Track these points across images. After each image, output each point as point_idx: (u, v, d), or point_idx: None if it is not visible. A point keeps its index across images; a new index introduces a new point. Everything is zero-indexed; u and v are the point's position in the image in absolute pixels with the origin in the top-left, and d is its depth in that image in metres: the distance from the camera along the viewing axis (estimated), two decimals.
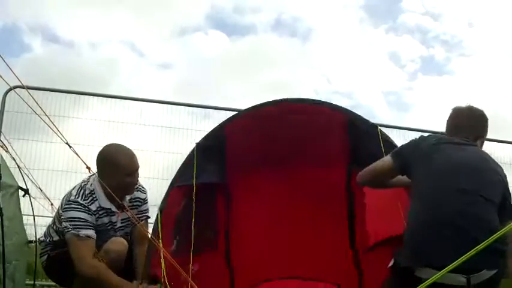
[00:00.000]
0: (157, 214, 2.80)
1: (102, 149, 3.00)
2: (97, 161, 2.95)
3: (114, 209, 2.93)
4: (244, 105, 6.22)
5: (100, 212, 2.89)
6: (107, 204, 2.90)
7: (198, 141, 3.02)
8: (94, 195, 2.88)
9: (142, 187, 3.18)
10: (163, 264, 2.47)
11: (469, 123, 2.60)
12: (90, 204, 2.85)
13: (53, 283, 3.26)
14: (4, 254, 2.87)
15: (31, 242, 3.47)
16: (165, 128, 5.97)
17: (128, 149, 2.99)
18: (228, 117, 3.15)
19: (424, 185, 2.39)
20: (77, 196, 2.86)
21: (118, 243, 2.83)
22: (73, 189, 2.94)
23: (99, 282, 2.70)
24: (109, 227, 2.95)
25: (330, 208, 3.23)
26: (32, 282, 3.88)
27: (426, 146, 2.48)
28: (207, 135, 3.05)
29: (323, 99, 3.17)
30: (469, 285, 2.13)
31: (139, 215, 3.09)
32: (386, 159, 2.59)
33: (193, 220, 2.76)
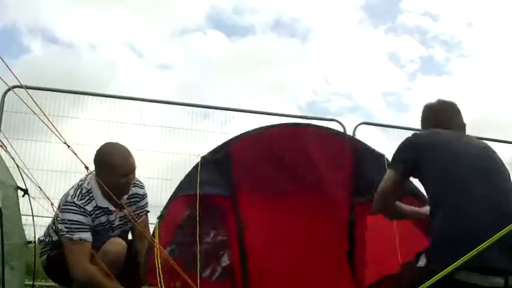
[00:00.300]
0: (157, 222, 2.82)
1: (99, 148, 2.99)
2: (94, 160, 2.94)
3: (111, 207, 2.92)
4: (243, 105, 6.27)
5: (97, 212, 2.87)
6: (104, 203, 2.89)
7: (203, 154, 3.02)
8: (91, 195, 2.87)
9: (140, 182, 3.15)
10: (158, 266, 2.50)
11: (455, 113, 2.54)
12: (87, 205, 2.83)
13: (53, 283, 3.25)
14: (4, 254, 2.86)
15: (30, 242, 3.45)
16: (164, 128, 5.98)
17: (125, 149, 2.96)
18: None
19: (443, 186, 2.24)
20: (73, 196, 2.84)
21: (116, 244, 2.81)
22: (71, 188, 2.93)
23: (93, 286, 2.69)
24: (107, 226, 2.93)
25: (330, 238, 3.14)
26: (31, 282, 3.87)
27: (426, 142, 2.38)
28: (213, 150, 3.03)
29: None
30: (507, 287, 2.00)
31: (139, 211, 3.08)
32: (387, 174, 2.42)
33: (197, 231, 2.76)
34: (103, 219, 2.91)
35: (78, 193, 2.86)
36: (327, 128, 3.19)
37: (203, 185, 2.89)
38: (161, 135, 5.97)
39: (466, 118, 2.62)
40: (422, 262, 2.24)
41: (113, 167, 2.83)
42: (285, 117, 6.28)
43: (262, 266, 3.06)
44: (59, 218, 2.82)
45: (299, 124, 3.21)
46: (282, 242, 3.11)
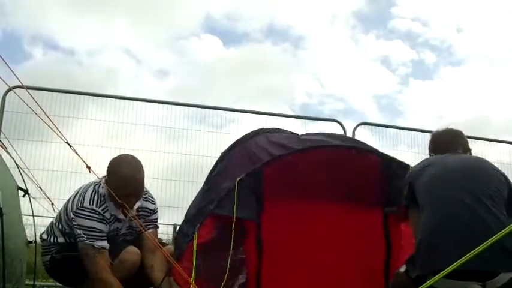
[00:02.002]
0: (194, 236, 2.82)
1: (112, 159, 2.96)
2: (106, 169, 2.92)
3: (120, 216, 2.91)
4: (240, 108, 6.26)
5: (112, 219, 2.87)
6: (114, 210, 2.88)
7: (240, 177, 3.00)
8: (104, 200, 2.85)
9: (152, 197, 3.14)
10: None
11: (455, 139, 2.73)
12: (105, 212, 2.82)
13: (53, 283, 3.25)
14: (4, 254, 2.87)
15: (31, 242, 3.46)
16: (164, 129, 6.01)
17: (135, 165, 2.90)
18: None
19: (427, 194, 2.38)
20: (91, 202, 2.81)
21: (133, 254, 2.83)
22: (86, 192, 2.87)
23: None
24: (114, 232, 2.93)
25: (367, 250, 3.16)
26: (31, 282, 3.87)
27: (418, 166, 2.59)
28: (248, 173, 3.03)
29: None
30: None
31: (148, 224, 3.05)
32: (411, 212, 2.55)
33: (230, 253, 2.80)
34: (114, 225, 2.91)
35: (96, 199, 2.83)
36: (355, 147, 3.21)
37: (240, 208, 2.91)
38: (160, 135, 6.03)
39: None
40: (402, 268, 2.33)
41: (120, 184, 2.79)
42: (284, 118, 6.32)
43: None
44: (74, 222, 2.78)
45: (325, 146, 3.19)
46: (312, 254, 3.13)
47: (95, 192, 2.85)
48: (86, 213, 2.78)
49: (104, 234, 2.79)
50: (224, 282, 2.75)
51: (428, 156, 2.83)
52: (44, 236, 3.05)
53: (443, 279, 2.01)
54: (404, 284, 2.41)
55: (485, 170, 2.41)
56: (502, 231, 1.61)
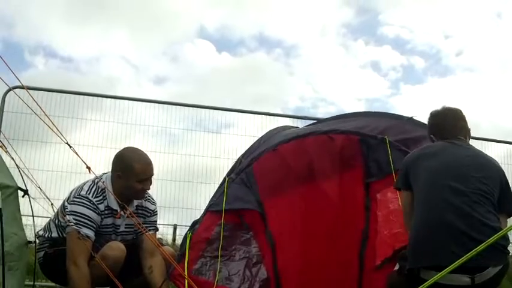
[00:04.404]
0: (188, 233, 2.92)
1: (121, 150, 3.03)
2: (113, 161, 2.97)
3: (117, 208, 2.92)
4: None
5: (106, 212, 2.89)
6: (114, 205, 2.90)
7: (229, 176, 3.20)
8: (104, 194, 2.89)
9: (152, 199, 3.17)
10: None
11: (459, 124, 2.68)
12: (100, 203, 2.86)
13: (53, 283, 3.25)
14: (4, 254, 2.86)
15: (30, 242, 3.45)
16: (163, 129, 6.03)
17: (145, 155, 2.99)
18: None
19: (421, 189, 2.43)
20: (88, 192, 2.86)
21: (115, 249, 2.79)
22: (85, 184, 2.94)
23: (71, 283, 2.70)
24: (111, 229, 2.94)
25: (348, 224, 3.29)
26: (31, 282, 3.87)
27: (418, 152, 2.61)
28: (237, 171, 3.21)
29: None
30: (474, 285, 2.13)
31: (147, 225, 3.07)
32: (401, 195, 2.68)
33: (220, 245, 2.89)
34: (109, 220, 2.91)
35: (93, 190, 2.88)
36: (328, 131, 3.39)
37: (234, 200, 3.04)
38: (160, 135, 6.04)
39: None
40: (396, 266, 2.37)
41: (132, 171, 2.86)
42: (284, 118, 6.33)
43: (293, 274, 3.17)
44: (67, 210, 2.82)
45: (302, 135, 3.37)
46: (305, 240, 3.24)
47: (94, 184, 2.90)
48: (79, 200, 2.82)
49: (93, 224, 2.80)
50: (241, 282, 2.84)
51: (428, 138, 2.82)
52: (41, 233, 3.06)
53: (434, 272, 2.08)
54: (398, 284, 2.43)
55: (483, 166, 2.43)
56: (502, 231, 1.63)
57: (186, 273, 2.68)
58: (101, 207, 2.86)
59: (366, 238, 3.22)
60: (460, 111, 2.75)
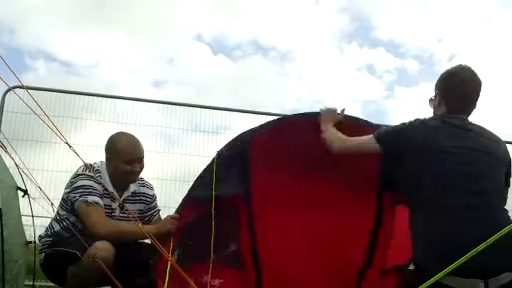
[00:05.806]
0: None
1: (110, 137, 3.04)
2: (106, 146, 3.00)
3: (116, 195, 2.95)
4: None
5: (103, 192, 2.90)
6: (109, 187, 2.92)
7: (219, 150, 2.96)
8: (100, 175, 2.91)
9: (149, 184, 3.19)
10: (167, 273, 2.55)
11: (476, 96, 2.39)
12: (96, 181, 2.87)
13: (53, 284, 3.25)
14: (4, 254, 2.86)
15: (30, 242, 3.45)
16: (162, 129, 6.03)
17: (132, 136, 3.01)
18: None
19: (434, 192, 2.25)
20: (84, 170, 2.88)
21: (101, 249, 2.62)
22: (78, 169, 2.95)
23: (120, 236, 2.73)
24: (108, 210, 2.92)
25: (358, 219, 3.01)
26: (31, 282, 3.87)
27: (421, 137, 2.32)
28: (229, 144, 2.97)
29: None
30: None
31: (152, 211, 3.13)
32: (371, 142, 2.44)
33: (213, 232, 2.78)
34: (107, 201, 2.91)
35: (89, 170, 2.89)
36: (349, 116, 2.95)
37: (219, 186, 2.84)
38: (160, 135, 6.06)
39: None
40: (411, 266, 2.27)
41: (118, 153, 2.88)
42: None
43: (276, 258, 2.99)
44: (68, 190, 2.85)
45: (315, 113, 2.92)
46: (301, 236, 3.02)
47: (87, 168, 2.89)
48: (78, 176, 2.85)
49: (98, 192, 2.81)
50: (212, 252, 2.72)
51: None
52: (42, 234, 3.06)
53: (450, 277, 1.90)
54: (413, 283, 2.33)
55: (490, 156, 2.29)
56: (502, 231, 1.60)
57: (170, 258, 2.55)
58: (99, 187, 2.87)
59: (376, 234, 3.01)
60: (479, 78, 2.39)
